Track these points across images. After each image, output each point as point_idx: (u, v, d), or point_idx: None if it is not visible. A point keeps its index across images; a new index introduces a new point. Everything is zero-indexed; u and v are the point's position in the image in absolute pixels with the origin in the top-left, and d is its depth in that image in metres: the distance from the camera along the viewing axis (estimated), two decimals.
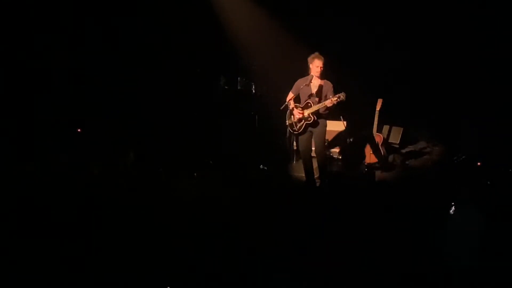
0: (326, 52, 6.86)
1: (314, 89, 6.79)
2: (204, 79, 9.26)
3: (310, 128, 6.82)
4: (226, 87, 9.27)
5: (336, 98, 6.46)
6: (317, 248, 4.56)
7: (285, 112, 6.97)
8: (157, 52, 8.96)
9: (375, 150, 7.98)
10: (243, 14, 9.13)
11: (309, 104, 6.74)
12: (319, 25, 8.74)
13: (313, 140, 6.95)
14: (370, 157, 7.99)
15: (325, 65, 6.72)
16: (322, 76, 6.78)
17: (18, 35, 8.28)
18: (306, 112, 6.74)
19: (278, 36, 9.04)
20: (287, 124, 6.94)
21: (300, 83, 6.84)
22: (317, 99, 6.72)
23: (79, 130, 8.59)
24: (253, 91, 9.28)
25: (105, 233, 4.82)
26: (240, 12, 9.13)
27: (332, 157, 8.34)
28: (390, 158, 8.12)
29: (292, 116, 6.87)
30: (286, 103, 6.86)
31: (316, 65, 6.70)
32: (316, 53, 6.74)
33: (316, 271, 4.23)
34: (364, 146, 8.07)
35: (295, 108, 6.83)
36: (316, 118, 6.73)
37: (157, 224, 5.09)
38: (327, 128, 6.95)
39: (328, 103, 6.54)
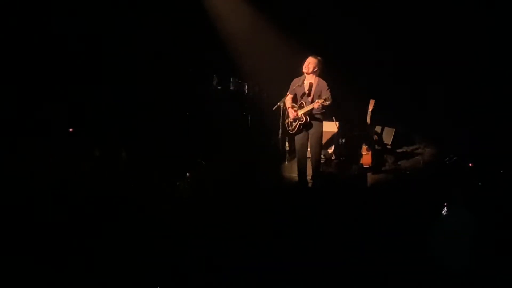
0: (318, 52, 6.90)
1: (306, 88, 6.82)
2: (196, 79, 9.24)
3: (304, 129, 6.83)
4: (218, 87, 9.26)
5: (322, 100, 6.50)
6: (309, 249, 4.56)
7: (277, 112, 6.99)
8: (150, 51, 8.92)
9: (368, 151, 7.99)
10: (236, 13, 9.12)
11: (302, 105, 6.78)
12: (312, 25, 8.75)
13: (309, 141, 6.95)
14: (363, 158, 8.00)
15: (319, 67, 6.74)
16: (317, 75, 6.79)
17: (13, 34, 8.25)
18: (299, 113, 6.76)
19: (271, 36, 9.04)
20: (286, 123, 6.96)
21: (294, 82, 6.89)
22: (309, 98, 6.75)
23: (71, 130, 8.54)
24: (246, 92, 9.27)
25: (96, 232, 4.80)
26: (233, 11, 9.11)
27: (325, 158, 8.35)
28: (382, 159, 8.14)
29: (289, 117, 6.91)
30: (278, 103, 6.90)
31: (306, 62, 6.76)
32: (317, 56, 6.80)
33: (309, 272, 4.23)
34: (357, 147, 8.08)
35: (291, 108, 6.85)
36: (308, 119, 6.75)
37: (148, 224, 5.07)
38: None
39: (315, 105, 6.58)
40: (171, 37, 9.02)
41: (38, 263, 4.23)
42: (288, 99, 6.91)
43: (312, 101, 6.70)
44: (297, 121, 6.81)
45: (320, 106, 6.57)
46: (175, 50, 9.04)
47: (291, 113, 6.84)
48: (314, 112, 6.72)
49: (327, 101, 6.52)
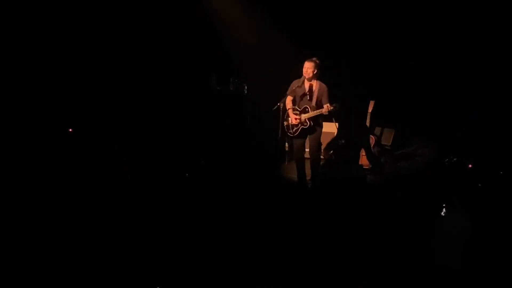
0: (318, 53, 6.86)
1: (306, 90, 6.79)
2: (196, 79, 9.24)
3: (306, 133, 6.81)
4: (218, 88, 9.25)
5: (331, 108, 6.47)
6: (308, 250, 4.56)
7: (277, 113, 6.96)
8: (149, 51, 8.92)
9: (368, 152, 7.99)
10: (235, 13, 9.12)
11: (307, 109, 6.72)
12: (312, 26, 8.75)
13: (308, 142, 6.93)
14: (362, 159, 8.00)
15: (318, 69, 6.70)
16: (317, 78, 6.76)
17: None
18: (303, 117, 6.73)
19: (271, 36, 9.03)
20: (284, 124, 6.93)
21: (294, 84, 6.84)
22: (312, 103, 6.70)
23: (70, 130, 8.54)
24: (245, 92, 9.27)
25: (93, 232, 4.79)
26: (232, 11, 9.11)
27: (324, 158, 8.35)
28: (382, 160, 8.14)
29: (289, 118, 6.87)
30: (278, 104, 6.87)
31: (305, 67, 6.71)
32: (313, 58, 6.75)
33: (308, 272, 4.23)
34: (356, 148, 8.08)
35: (292, 112, 6.81)
36: (312, 124, 6.71)
37: (147, 223, 5.07)
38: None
39: (324, 111, 6.54)
40: (170, 37, 9.02)
41: (39, 261, 4.24)
42: (289, 100, 6.88)
43: (317, 106, 6.66)
44: (300, 125, 6.77)
45: (330, 111, 6.52)
46: (174, 50, 9.04)
47: (293, 118, 6.79)
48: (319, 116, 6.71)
49: (337, 108, 6.49)
